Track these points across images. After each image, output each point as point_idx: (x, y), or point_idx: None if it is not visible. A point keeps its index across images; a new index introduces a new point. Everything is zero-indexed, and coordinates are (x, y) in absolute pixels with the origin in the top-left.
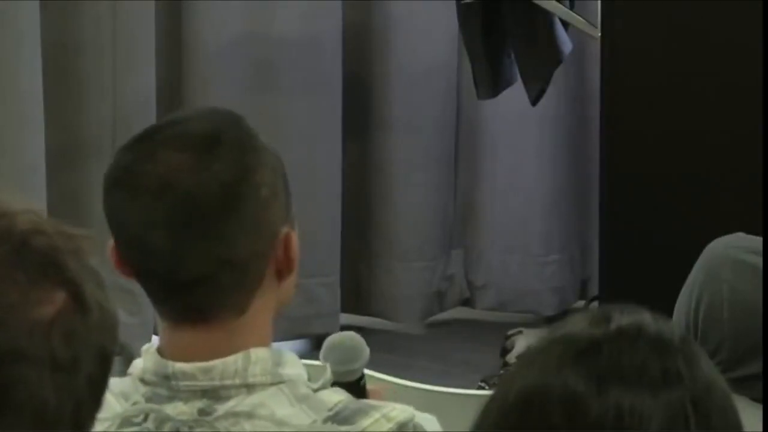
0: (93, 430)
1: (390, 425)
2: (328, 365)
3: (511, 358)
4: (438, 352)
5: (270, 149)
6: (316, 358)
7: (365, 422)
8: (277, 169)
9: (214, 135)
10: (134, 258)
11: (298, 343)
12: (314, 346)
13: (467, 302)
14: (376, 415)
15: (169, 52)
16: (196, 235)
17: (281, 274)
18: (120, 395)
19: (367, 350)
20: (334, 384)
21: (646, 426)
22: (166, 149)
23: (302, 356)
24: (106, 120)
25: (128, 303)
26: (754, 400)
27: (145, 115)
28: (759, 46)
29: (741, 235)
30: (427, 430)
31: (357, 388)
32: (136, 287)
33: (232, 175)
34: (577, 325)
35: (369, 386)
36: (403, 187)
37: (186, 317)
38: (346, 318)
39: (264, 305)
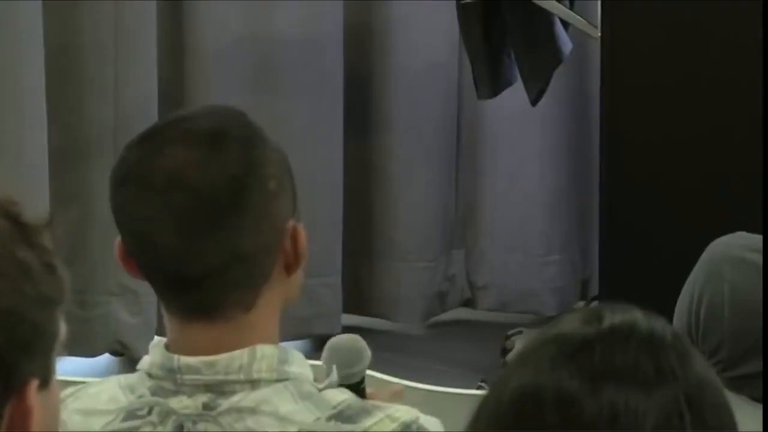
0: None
1: (394, 425)
2: (334, 366)
3: (511, 358)
4: (439, 353)
5: (274, 144)
6: (318, 359)
7: (369, 421)
8: (283, 163)
9: (220, 130)
10: (142, 254)
11: (299, 344)
12: (316, 347)
13: (468, 303)
14: (380, 414)
15: (170, 52)
16: (204, 229)
17: (290, 268)
18: (127, 388)
19: (368, 353)
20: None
21: (641, 424)
22: (174, 145)
23: (304, 356)
24: (107, 120)
25: (131, 303)
26: (754, 399)
27: (146, 115)
28: (759, 46)
29: (742, 233)
30: (431, 431)
31: (357, 391)
32: (139, 287)
33: (239, 168)
34: (569, 324)
35: (368, 390)
36: (404, 187)
37: (193, 312)
38: (347, 318)
39: (271, 301)
